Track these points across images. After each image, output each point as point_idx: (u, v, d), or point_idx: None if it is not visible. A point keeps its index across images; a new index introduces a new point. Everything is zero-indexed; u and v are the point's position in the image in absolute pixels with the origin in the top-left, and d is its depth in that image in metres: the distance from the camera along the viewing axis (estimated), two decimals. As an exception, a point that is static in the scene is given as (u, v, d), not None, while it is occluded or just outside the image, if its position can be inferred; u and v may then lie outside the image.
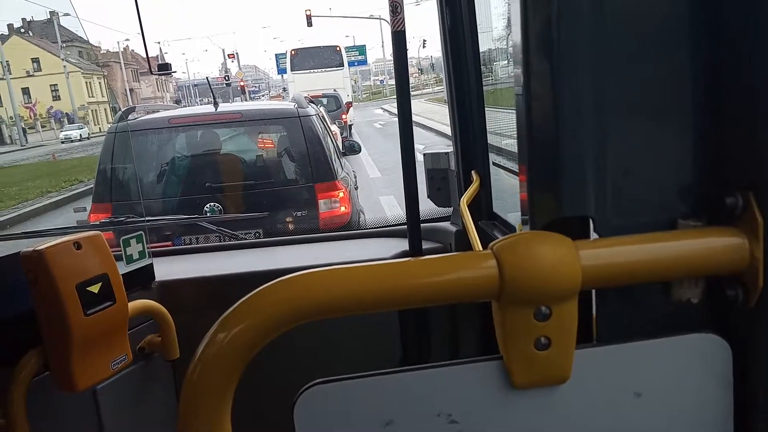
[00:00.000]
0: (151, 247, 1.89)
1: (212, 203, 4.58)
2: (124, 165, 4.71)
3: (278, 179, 5.02)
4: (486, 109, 2.00)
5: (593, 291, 0.80)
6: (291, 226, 4.68)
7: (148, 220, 3.05)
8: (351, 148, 7.13)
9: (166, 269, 2.02)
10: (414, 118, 2.00)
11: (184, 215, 4.50)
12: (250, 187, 4.88)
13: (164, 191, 4.95)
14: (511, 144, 1.93)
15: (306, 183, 4.81)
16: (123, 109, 5.37)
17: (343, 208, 4.79)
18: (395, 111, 1.97)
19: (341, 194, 4.81)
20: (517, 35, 0.77)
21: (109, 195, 4.66)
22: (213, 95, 5.47)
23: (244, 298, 0.66)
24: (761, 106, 0.69)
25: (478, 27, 1.90)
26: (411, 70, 2.07)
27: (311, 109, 5.20)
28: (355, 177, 5.90)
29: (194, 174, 5.03)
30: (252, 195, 4.80)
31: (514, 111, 0.83)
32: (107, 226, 2.15)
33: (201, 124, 5.27)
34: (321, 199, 4.74)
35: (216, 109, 5.27)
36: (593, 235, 0.77)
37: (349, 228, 4.69)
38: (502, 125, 2.07)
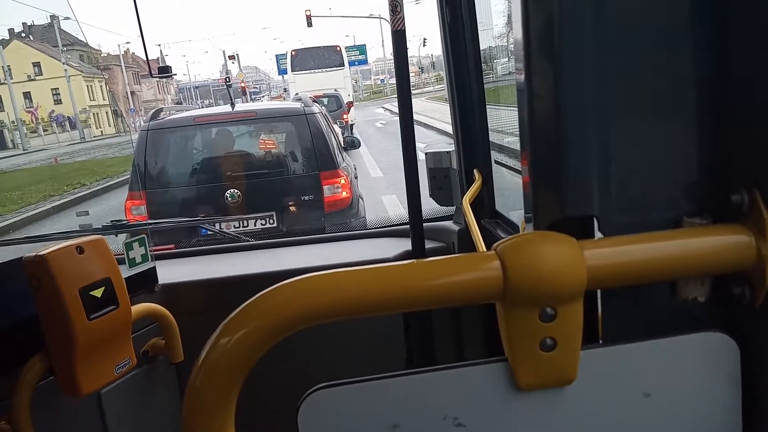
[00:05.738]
0: (154, 251, 1.89)
1: (233, 189, 5.29)
2: (155, 159, 5.53)
3: (288, 168, 5.83)
4: (487, 106, 1.99)
5: (598, 291, 0.79)
6: (296, 209, 5.39)
7: (151, 224, 3.05)
8: (351, 143, 7.95)
9: (169, 272, 2.02)
10: (415, 116, 2.00)
11: (207, 201, 5.30)
12: (264, 176, 5.66)
13: (189, 180, 5.69)
14: (513, 142, 1.92)
15: (312, 171, 5.55)
16: (154, 110, 6.09)
17: (344, 194, 5.51)
18: (396, 110, 1.96)
19: (343, 181, 5.53)
20: (518, 31, 0.76)
21: (143, 185, 5.39)
22: (231, 97, 6.29)
23: (246, 302, 0.65)
24: (766, 101, 0.68)
25: (479, 24, 1.89)
26: (411, 68, 2.07)
27: (316, 108, 5.93)
28: (355, 169, 6.71)
29: (216, 165, 5.77)
30: (265, 183, 5.58)
31: (516, 108, 0.82)
32: (109, 229, 2.15)
33: (222, 122, 6.08)
34: (325, 185, 5.44)
35: (233, 109, 6.15)
36: (598, 235, 0.76)
37: (351, 217, 5.40)
38: (503, 122, 2.06)
